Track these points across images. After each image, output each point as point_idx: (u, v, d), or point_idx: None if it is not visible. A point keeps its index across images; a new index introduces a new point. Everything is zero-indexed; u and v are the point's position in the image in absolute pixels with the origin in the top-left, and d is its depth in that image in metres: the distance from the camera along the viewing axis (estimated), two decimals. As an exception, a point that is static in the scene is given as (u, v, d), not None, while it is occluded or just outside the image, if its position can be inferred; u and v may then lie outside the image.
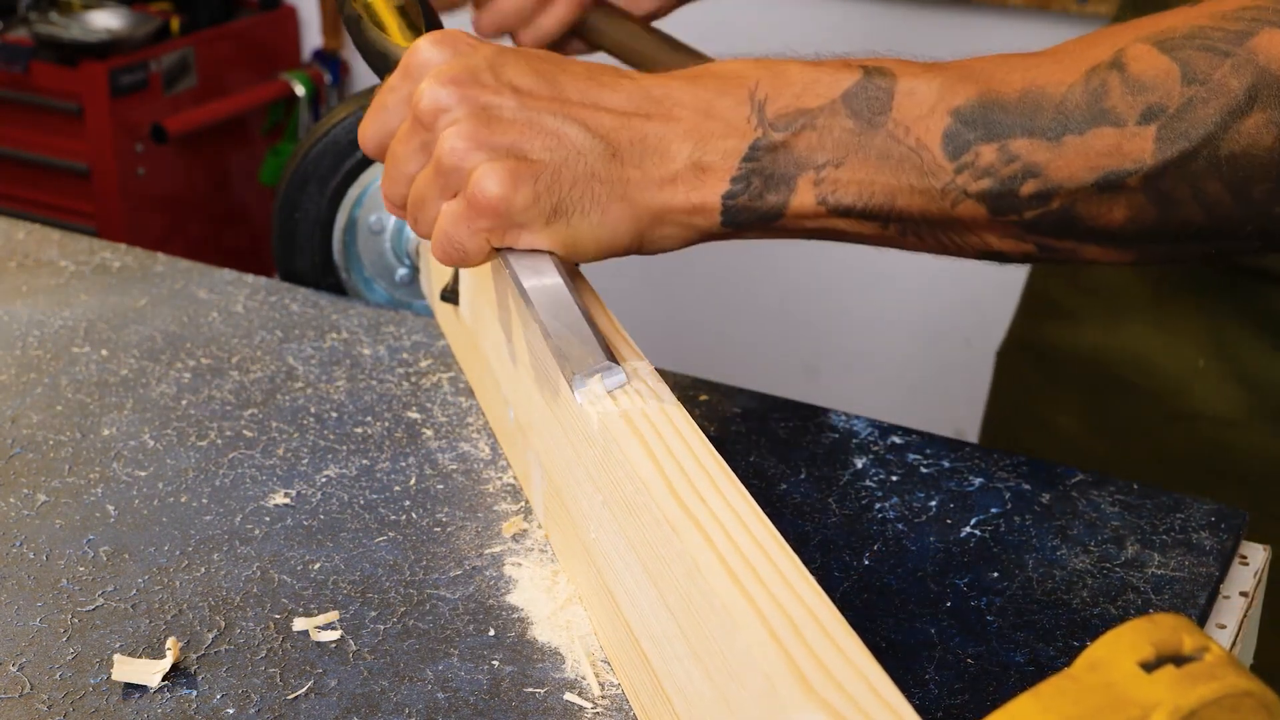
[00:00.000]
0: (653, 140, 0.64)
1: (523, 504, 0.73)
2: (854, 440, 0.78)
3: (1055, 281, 1.04)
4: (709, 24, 0.96)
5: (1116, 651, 0.43)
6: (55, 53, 2.42)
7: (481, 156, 0.63)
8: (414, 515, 0.72)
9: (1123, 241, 0.62)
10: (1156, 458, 0.96)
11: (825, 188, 0.63)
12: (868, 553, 0.69)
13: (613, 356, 0.61)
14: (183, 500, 0.72)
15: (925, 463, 0.76)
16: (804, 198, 0.63)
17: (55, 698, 0.59)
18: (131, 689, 0.59)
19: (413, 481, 0.74)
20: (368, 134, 0.69)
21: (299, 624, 0.63)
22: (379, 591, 0.66)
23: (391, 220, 0.95)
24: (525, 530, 0.70)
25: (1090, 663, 0.43)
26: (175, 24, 2.54)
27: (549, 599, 0.65)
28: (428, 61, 0.67)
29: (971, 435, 1.22)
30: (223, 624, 0.63)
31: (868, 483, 0.75)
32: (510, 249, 0.65)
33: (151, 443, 0.77)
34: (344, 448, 0.77)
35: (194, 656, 0.61)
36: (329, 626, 0.63)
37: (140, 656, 0.61)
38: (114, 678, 0.59)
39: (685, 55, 0.95)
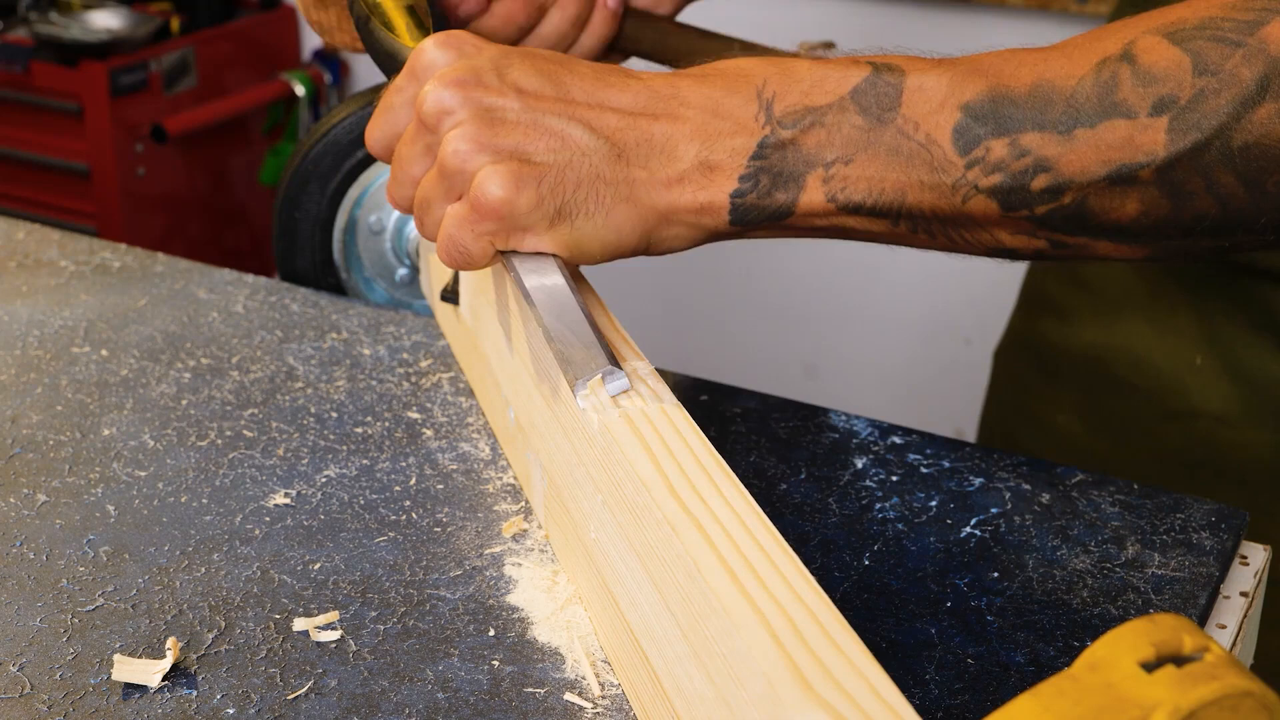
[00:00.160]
0: (659, 140, 0.64)
1: (523, 504, 0.73)
2: (854, 440, 0.78)
3: (1053, 279, 1.04)
4: (710, 24, 0.96)
5: (1117, 651, 0.43)
6: (55, 53, 2.42)
7: (484, 159, 0.63)
8: (414, 515, 0.72)
9: (1136, 237, 0.62)
10: (1154, 456, 0.96)
11: (835, 185, 0.63)
12: (868, 553, 0.69)
13: (615, 360, 0.61)
14: (183, 500, 0.72)
15: (925, 463, 0.76)
16: (813, 195, 0.63)
17: (55, 698, 0.59)
18: (131, 689, 0.59)
19: (413, 481, 0.74)
20: (374, 136, 0.69)
21: (299, 624, 0.63)
22: (379, 591, 0.66)
23: (392, 220, 0.95)
24: (525, 530, 0.70)
25: (1090, 663, 0.43)
26: (175, 24, 2.54)
27: (549, 599, 0.65)
28: (433, 63, 0.67)
29: (971, 435, 1.22)
30: (223, 624, 0.63)
31: (868, 483, 0.75)
32: (514, 252, 0.64)
33: (151, 443, 0.77)
34: (344, 448, 0.77)
35: (194, 656, 0.61)
36: (329, 626, 0.63)
37: (140, 656, 0.61)
38: (114, 678, 0.59)
39: (720, 43, 0.94)
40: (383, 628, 0.63)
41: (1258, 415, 0.91)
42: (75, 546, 0.68)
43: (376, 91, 0.93)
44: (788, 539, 0.52)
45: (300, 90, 2.63)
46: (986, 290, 2.11)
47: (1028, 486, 0.74)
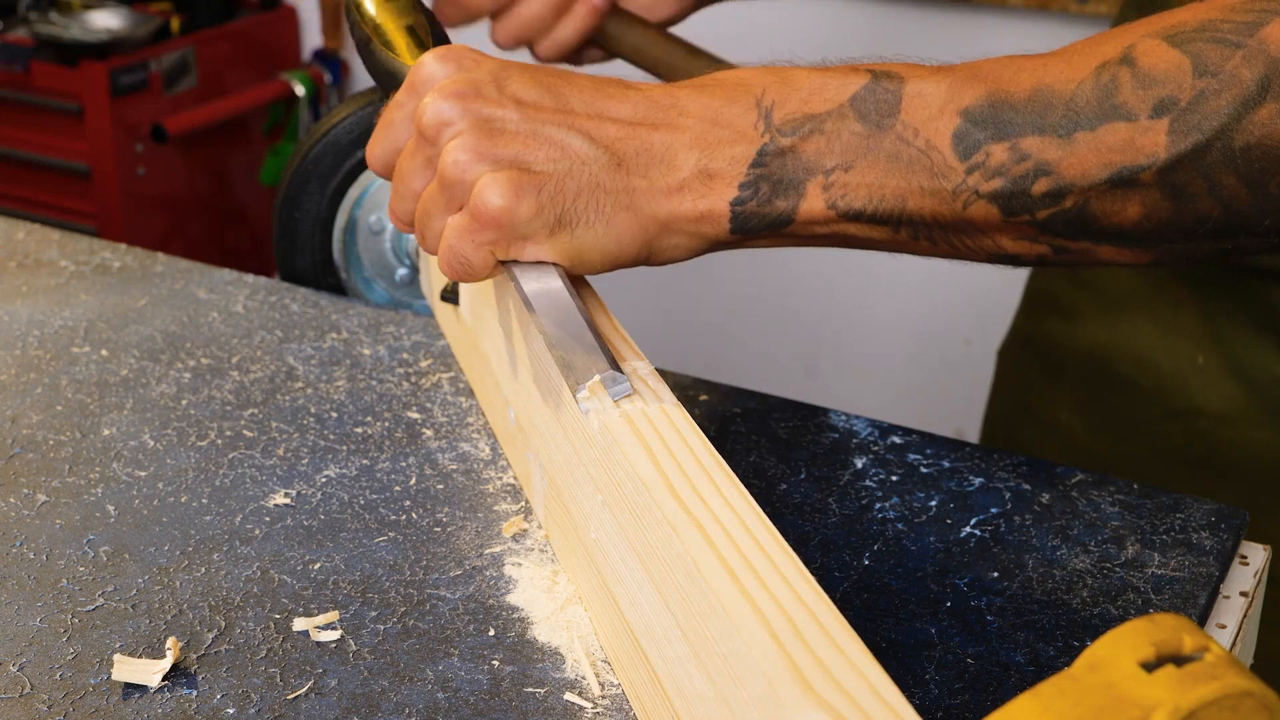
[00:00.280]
0: (659, 149, 0.63)
1: (523, 504, 0.73)
2: (854, 440, 0.78)
3: (1057, 279, 1.04)
4: (712, 25, 0.96)
5: (1117, 651, 0.43)
6: (55, 53, 2.42)
7: (484, 168, 0.63)
8: (414, 515, 0.72)
9: (1138, 241, 0.61)
10: (1155, 454, 0.96)
11: (835, 192, 0.63)
12: (868, 553, 0.69)
13: (617, 365, 0.61)
14: (183, 500, 0.72)
15: (925, 463, 0.76)
16: (813, 202, 0.63)
17: (55, 698, 0.59)
18: (131, 689, 0.59)
19: (413, 481, 0.74)
20: (375, 152, 0.69)
21: (299, 624, 0.63)
22: (379, 591, 0.66)
23: (391, 220, 0.95)
24: (525, 530, 0.70)
25: (1090, 663, 0.43)
26: (175, 24, 2.54)
27: (549, 599, 0.65)
28: (431, 76, 0.67)
29: (972, 435, 1.22)
30: (223, 624, 0.63)
31: (868, 483, 0.75)
32: (515, 261, 0.64)
33: (151, 443, 0.77)
34: (344, 448, 0.77)
35: (194, 656, 0.61)
36: (329, 626, 0.63)
37: (140, 656, 0.61)
38: (114, 678, 0.59)
39: (703, 60, 0.94)
40: (383, 628, 0.63)
41: (1259, 414, 0.91)
42: (75, 546, 0.68)
43: (376, 91, 0.93)
44: (788, 539, 0.52)
45: (300, 90, 2.63)
46: (986, 290, 2.11)
47: (1028, 486, 0.74)
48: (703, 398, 0.83)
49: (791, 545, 0.52)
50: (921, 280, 2.28)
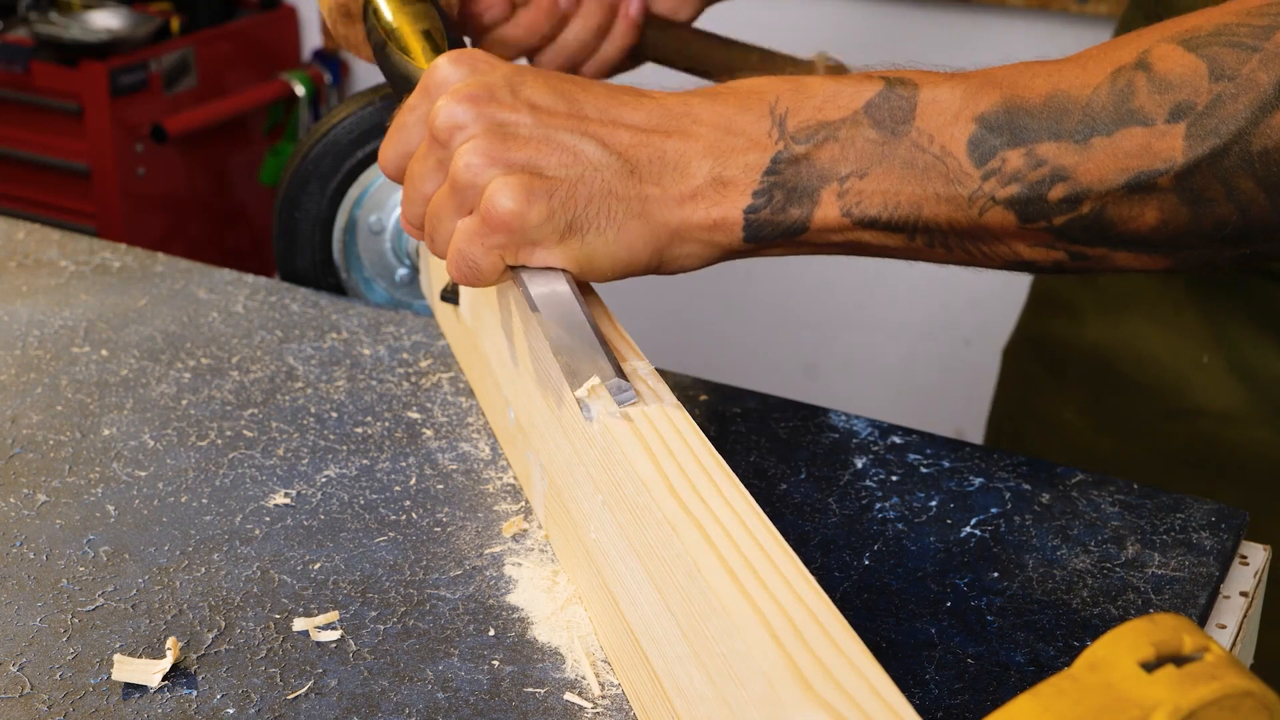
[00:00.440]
0: (672, 157, 0.63)
1: (523, 504, 0.73)
2: (854, 440, 0.78)
3: (1061, 277, 1.04)
4: (722, 26, 0.96)
5: (1117, 651, 0.43)
6: (55, 53, 2.42)
7: (496, 172, 0.62)
8: (414, 515, 0.72)
9: (1156, 246, 0.61)
10: (1158, 453, 0.96)
11: (849, 199, 0.62)
12: (868, 553, 0.69)
13: (622, 372, 0.60)
14: (183, 500, 0.72)
15: (925, 463, 0.76)
16: (828, 210, 0.63)
17: (55, 698, 0.59)
18: (131, 689, 0.59)
19: (413, 481, 0.74)
20: (387, 155, 0.69)
21: (299, 624, 0.63)
22: (379, 591, 0.66)
23: (391, 220, 0.95)
24: (525, 530, 0.70)
25: (1090, 663, 0.43)
26: (175, 24, 2.54)
27: (549, 599, 0.65)
28: (445, 79, 0.66)
29: (972, 435, 1.22)
30: (223, 624, 0.63)
31: (868, 483, 0.75)
32: (524, 267, 0.64)
33: (151, 443, 0.77)
34: (344, 448, 0.77)
35: (194, 656, 0.61)
36: (329, 626, 0.63)
37: (140, 656, 0.61)
38: (114, 678, 0.59)
39: (739, 49, 0.94)
40: (383, 627, 0.63)
41: (1262, 414, 0.91)
42: (75, 546, 0.68)
43: (377, 91, 0.93)
44: (788, 539, 0.52)
45: (300, 90, 2.63)
46: (987, 291, 2.11)
47: (1028, 486, 0.74)
48: (703, 398, 0.83)
49: (791, 545, 0.52)
50: (922, 281, 2.28)
